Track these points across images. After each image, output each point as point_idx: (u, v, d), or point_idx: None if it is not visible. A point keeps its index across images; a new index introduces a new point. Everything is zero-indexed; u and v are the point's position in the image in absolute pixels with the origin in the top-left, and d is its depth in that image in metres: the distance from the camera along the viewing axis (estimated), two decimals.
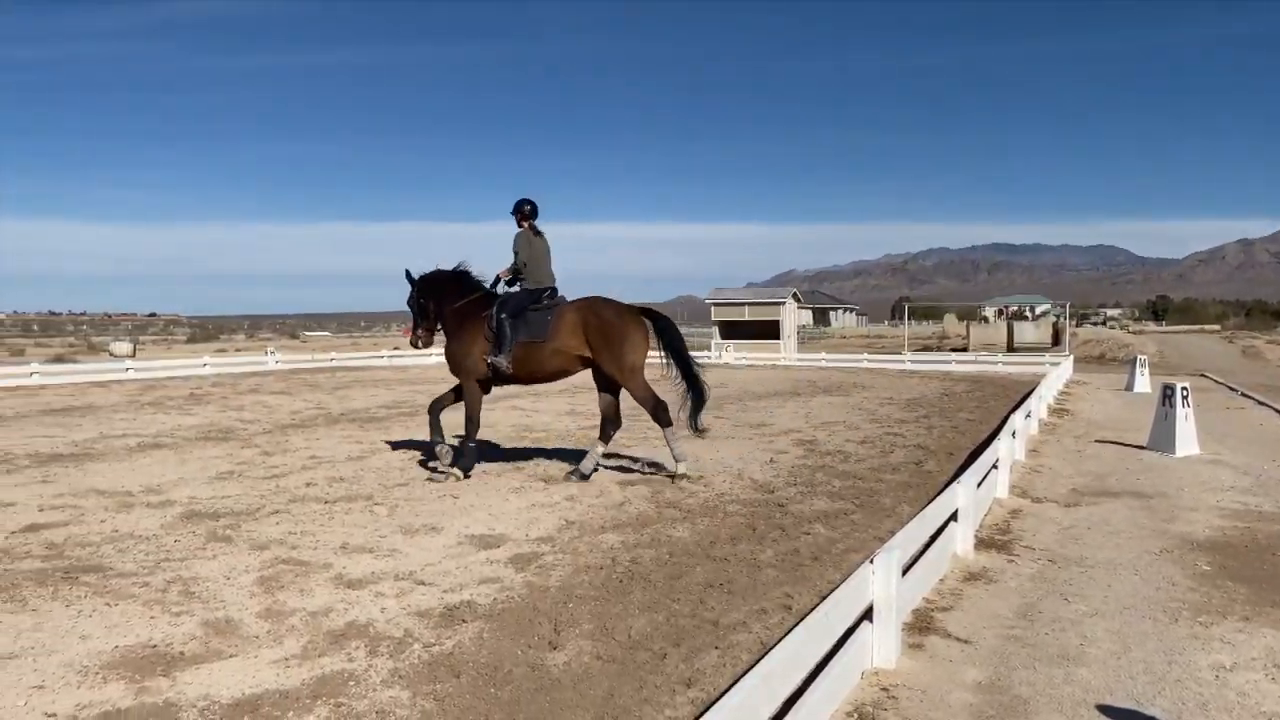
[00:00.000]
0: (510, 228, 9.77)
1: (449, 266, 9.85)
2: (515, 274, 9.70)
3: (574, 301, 9.67)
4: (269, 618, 5.11)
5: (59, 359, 35.68)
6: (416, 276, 9.96)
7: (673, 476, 9.40)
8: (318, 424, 14.46)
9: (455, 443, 9.61)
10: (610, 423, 9.72)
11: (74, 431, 13.37)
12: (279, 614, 5.17)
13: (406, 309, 10.00)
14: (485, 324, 9.46)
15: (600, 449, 9.61)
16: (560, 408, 17.05)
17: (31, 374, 23.54)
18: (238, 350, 45.65)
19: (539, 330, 9.37)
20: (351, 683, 4.24)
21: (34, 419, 15.17)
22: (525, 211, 9.75)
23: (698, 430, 9.79)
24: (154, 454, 11.13)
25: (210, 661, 4.48)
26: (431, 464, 10.00)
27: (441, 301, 9.81)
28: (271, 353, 31.54)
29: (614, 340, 9.32)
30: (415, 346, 10.18)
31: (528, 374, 9.60)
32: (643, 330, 9.51)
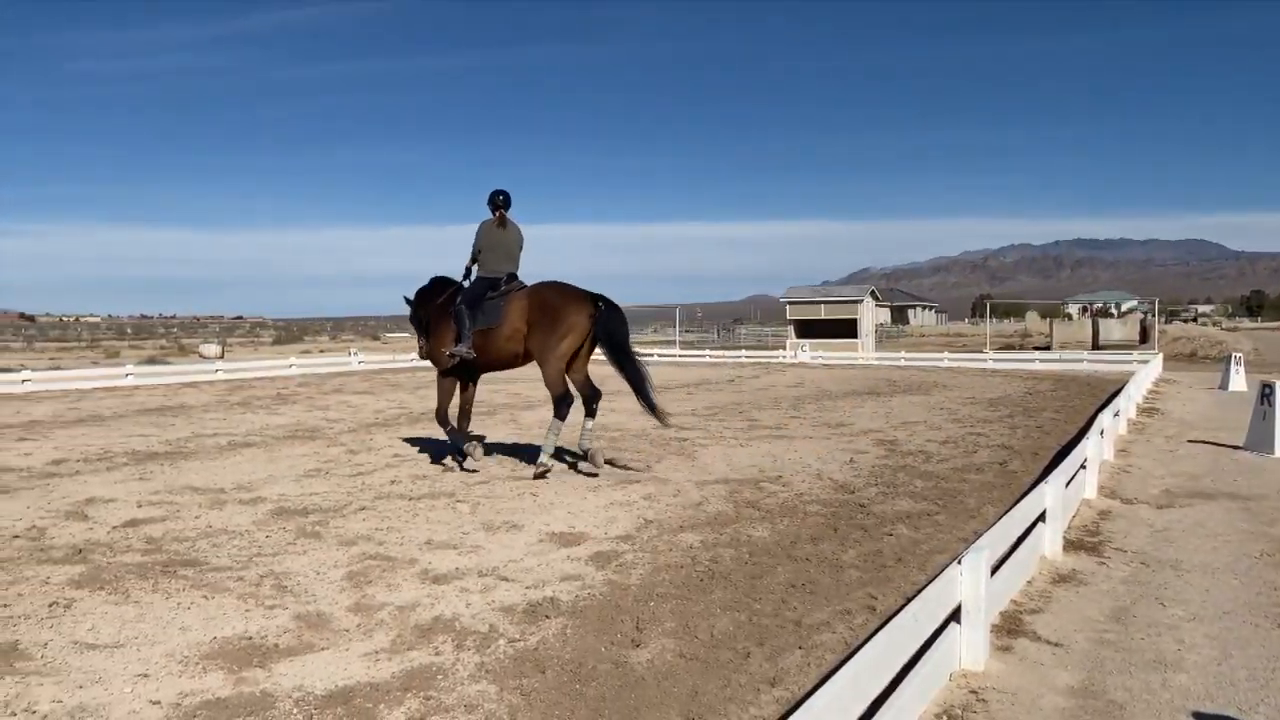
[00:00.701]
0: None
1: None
2: (474, 262, 9.87)
3: (527, 286, 9.74)
4: (358, 612, 5.23)
5: (152, 361, 36.99)
6: (411, 297, 10.49)
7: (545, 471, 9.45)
8: (400, 423, 14.74)
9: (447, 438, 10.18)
10: (589, 398, 9.57)
11: (168, 430, 13.84)
12: (368, 608, 5.29)
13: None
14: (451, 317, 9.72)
15: (589, 424, 9.54)
16: (633, 407, 17.08)
17: (127, 375, 24.44)
18: (322, 351, 46.77)
19: (493, 316, 9.48)
20: (439, 676, 4.32)
21: (130, 418, 15.74)
22: (498, 201, 9.90)
23: (657, 416, 9.71)
24: (244, 452, 11.47)
25: (303, 654, 4.60)
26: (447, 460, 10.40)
27: (428, 307, 10.14)
28: (354, 353, 32.24)
29: (546, 320, 9.30)
30: (421, 358, 10.67)
31: (485, 361, 9.73)
32: (582, 315, 9.32)
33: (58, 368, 30.89)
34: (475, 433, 9.78)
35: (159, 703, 4.02)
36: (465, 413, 10.13)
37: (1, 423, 15.09)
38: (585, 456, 9.47)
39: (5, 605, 5.34)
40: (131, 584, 5.77)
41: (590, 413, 9.52)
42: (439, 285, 10.27)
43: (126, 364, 28.43)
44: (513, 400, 18.48)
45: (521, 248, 10.04)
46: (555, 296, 9.41)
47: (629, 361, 9.51)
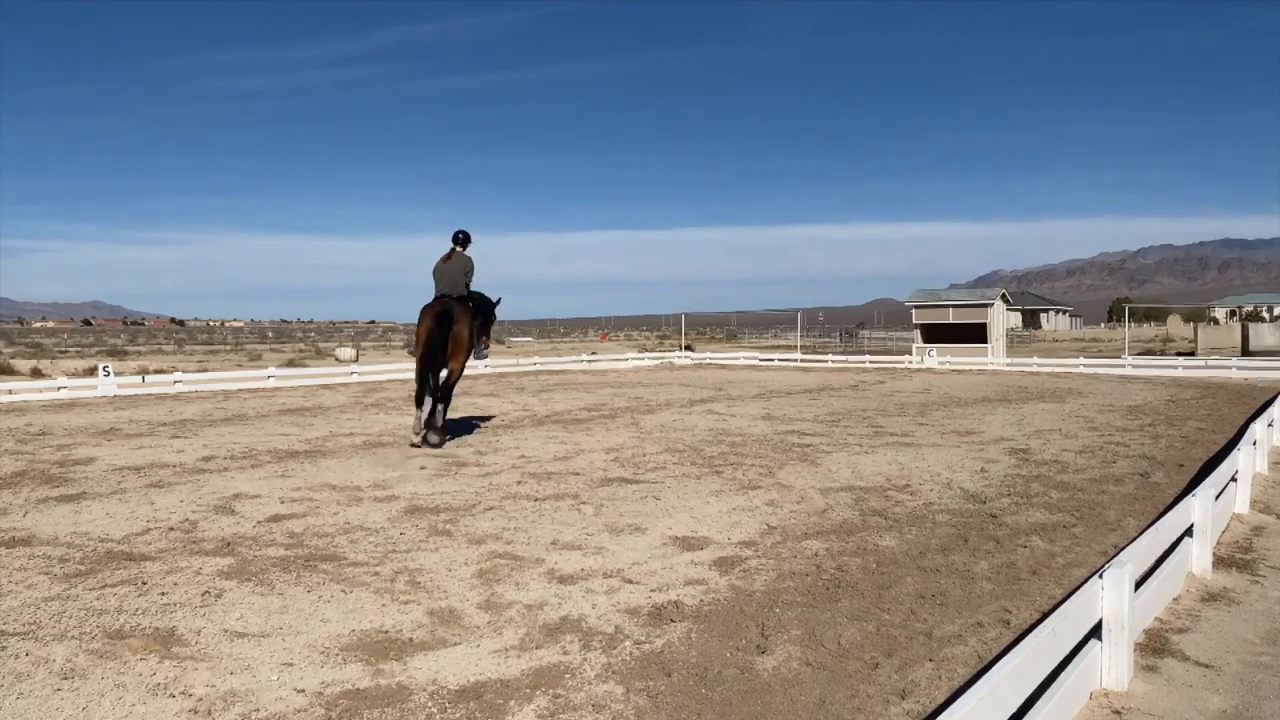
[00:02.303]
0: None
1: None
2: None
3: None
4: (488, 609, 5.36)
5: (291, 363, 38.65)
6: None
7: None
8: (524, 425, 15.03)
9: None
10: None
11: (307, 430, 14.44)
12: (497, 606, 5.41)
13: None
14: None
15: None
16: (755, 412, 17.02)
17: (269, 377, 25.61)
18: None
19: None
20: (567, 675, 4.38)
21: (272, 418, 16.48)
22: (455, 239, 13.03)
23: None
24: (378, 452, 11.87)
25: (436, 649, 4.73)
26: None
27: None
28: (483, 356, 33.00)
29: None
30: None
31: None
32: (425, 321, 12.22)
33: (205, 370, 32.62)
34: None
35: (303, 690, 4.20)
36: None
37: (156, 421, 16.03)
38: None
39: (163, 594, 5.67)
40: (276, 576, 6.05)
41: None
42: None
43: (268, 366, 29.81)
44: (634, 404, 18.60)
45: (465, 274, 12.91)
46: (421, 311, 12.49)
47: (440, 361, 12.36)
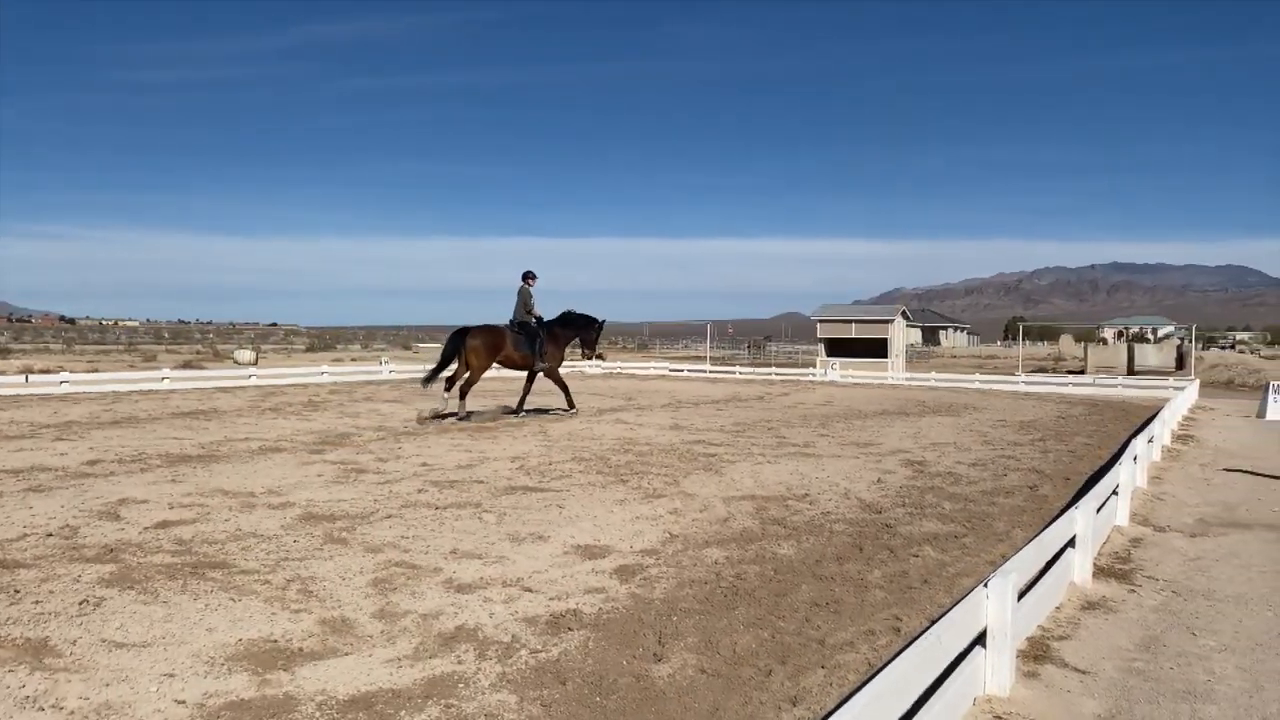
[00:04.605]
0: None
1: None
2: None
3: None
4: (382, 618, 5.26)
5: (187, 365, 37.45)
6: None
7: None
8: (428, 432, 14.82)
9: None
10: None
11: (201, 434, 14.00)
12: (392, 615, 5.32)
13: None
14: None
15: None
16: (663, 421, 17.11)
17: (163, 379, 24.77)
18: (353, 360, 47.15)
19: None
20: (461, 685, 4.33)
21: (165, 421, 15.94)
22: (525, 275, 17.39)
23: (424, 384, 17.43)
24: (275, 457, 11.58)
25: (327, 658, 4.63)
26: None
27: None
28: (385, 362, 32.46)
29: None
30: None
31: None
32: (454, 343, 16.80)
33: (96, 370, 31.38)
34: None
35: (184, 702, 4.06)
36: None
37: (39, 423, 15.35)
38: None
39: (37, 602, 5.42)
40: (160, 584, 5.84)
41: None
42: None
43: (163, 368, 28.81)
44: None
45: (523, 304, 17.19)
46: None
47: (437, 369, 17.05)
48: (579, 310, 17.97)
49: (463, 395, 16.62)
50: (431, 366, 17.31)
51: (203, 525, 7.58)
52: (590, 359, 19.15)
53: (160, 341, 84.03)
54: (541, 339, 17.22)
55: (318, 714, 3.98)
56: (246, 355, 44.58)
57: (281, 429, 14.94)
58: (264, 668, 4.48)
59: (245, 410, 18.46)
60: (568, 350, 18.58)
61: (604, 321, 18.06)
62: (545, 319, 17.46)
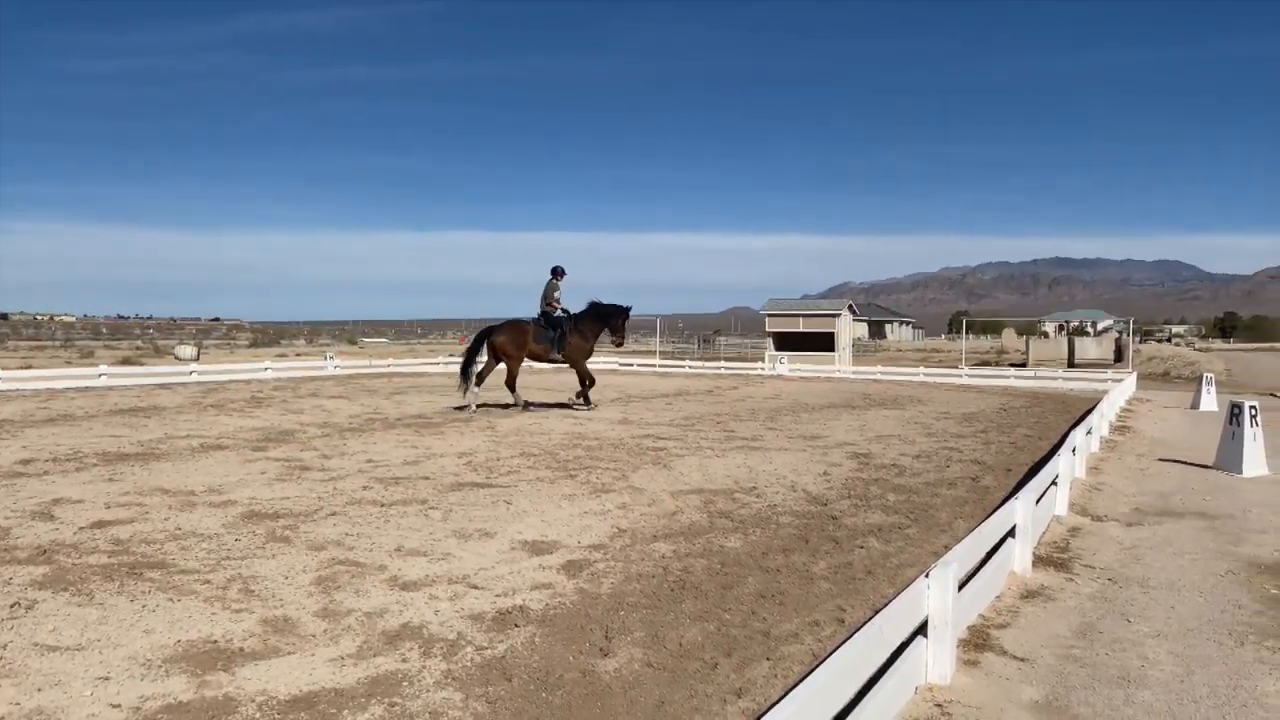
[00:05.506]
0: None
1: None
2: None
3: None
4: (326, 617, 5.20)
5: (126, 361, 36.67)
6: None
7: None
8: (374, 428, 14.67)
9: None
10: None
11: (140, 432, 13.71)
12: (335, 614, 5.26)
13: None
14: None
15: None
16: (613, 416, 17.11)
17: (100, 376, 24.21)
18: (298, 355, 46.49)
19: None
20: (405, 683, 4.29)
21: (102, 419, 15.59)
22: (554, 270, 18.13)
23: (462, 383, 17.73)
24: (216, 455, 11.38)
25: (268, 658, 4.56)
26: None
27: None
28: (330, 358, 32.05)
29: None
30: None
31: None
32: (478, 341, 17.99)
33: (29, 367, 30.59)
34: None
35: (119, 706, 3.98)
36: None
37: None
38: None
39: None
40: (96, 586, 5.71)
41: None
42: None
43: (100, 364, 28.17)
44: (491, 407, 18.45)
45: (544, 297, 17.93)
46: None
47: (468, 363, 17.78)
48: (607, 301, 18.36)
49: (510, 388, 17.91)
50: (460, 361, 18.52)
51: (141, 525, 7.42)
52: (620, 346, 19.18)
53: (99, 337, 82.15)
54: (564, 332, 17.73)
55: (258, 715, 3.92)
56: (188, 351, 43.75)
57: (224, 426, 14.68)
58: (203, 669, 4.40)
59: (186, 407, 18.12)
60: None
61: (630, 309, 18.30)
62: (571, 312, 18.06)
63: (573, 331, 17.85)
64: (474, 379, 17.55)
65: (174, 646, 4.68)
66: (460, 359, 18.72)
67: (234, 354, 50.28)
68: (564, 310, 17.98)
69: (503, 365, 17.88)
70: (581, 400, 18.40)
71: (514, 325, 17.77)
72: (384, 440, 13.11)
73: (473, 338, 18.34)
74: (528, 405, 17.98)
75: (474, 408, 17.45)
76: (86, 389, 22.60)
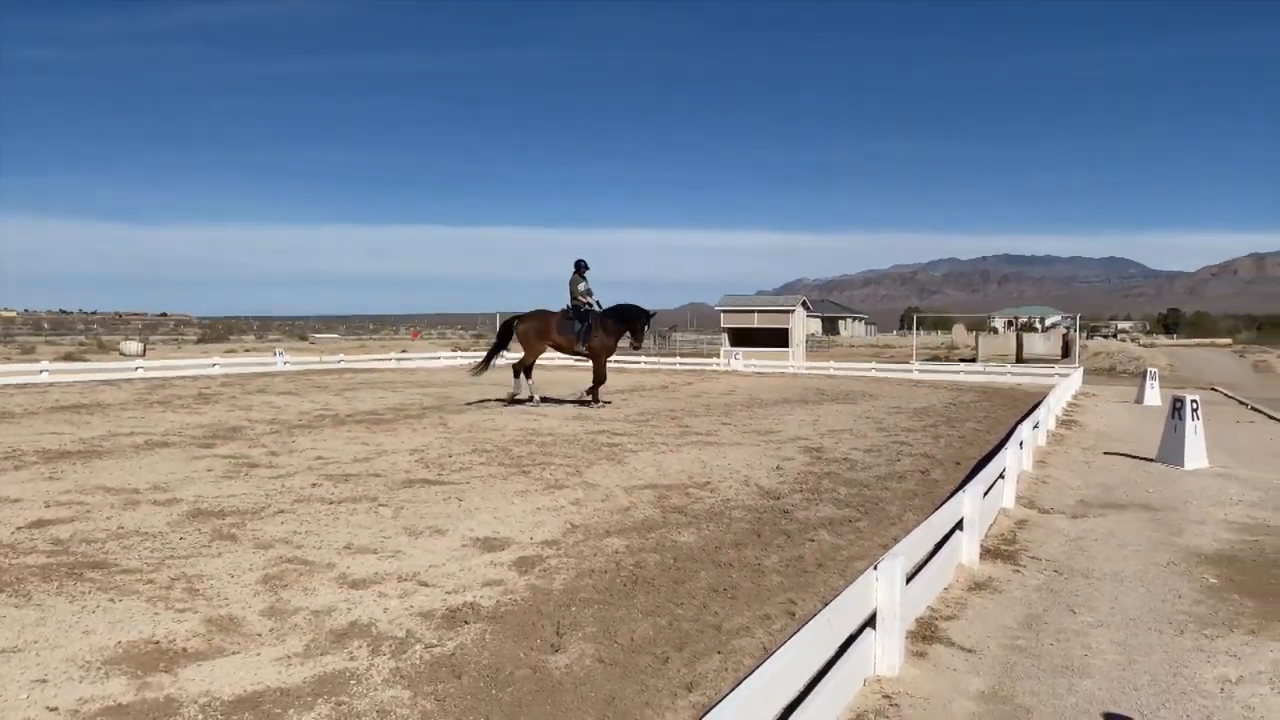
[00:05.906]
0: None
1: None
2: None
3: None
4: (272, 616, 5.12)
5: (69, 357, 35.86)
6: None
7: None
8: (324, 425, 14.49)
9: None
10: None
11: (82, 429, 13.42)
12: (282, 612, 5.18)
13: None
14: None
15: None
16: (567, 412, 17.07)
17: (41, 372, 23.67)
18: (247, 351, 45.81)
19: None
20: (353, 681, 4.24)
21: (43, 416, 15.23)
22: (578, 265, 18.09)
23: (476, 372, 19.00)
24: (161, 452, 11.17)
25: (213, 658, 4.48)
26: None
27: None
28: (280, 354, 31.62)
29: None
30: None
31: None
32: (506, 330, 18.60)
33: None
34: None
35: (56, 709, 3.89)
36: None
37: None
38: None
39: None
40: (34, 586, 5.57)
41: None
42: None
43: (42, 360, 27.52)
44: (443, 403, 18.27)
45: (570, 291, 18.00)
46: None
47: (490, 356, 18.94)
48: (630, 302, 18.47)
49: (522, 374, 18.28)
50: (483, 355, 19.40)
51: (82, 524, 7.26)
52: (638, 348, 19.29)
53: (39, 333, 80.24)
54: (590, 325, 17.83)
55: (201, 716, 3.85)
56: (133, 346, 42.87)
57: (170, 423, 14.42)
58: (144, 670, 4.31)
59: (131, 404, 17.77)
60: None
61: (653, 313, 18.44)
62: (602, 306, 18.16)
63: (598, 327, 17.83)
64: (522, 374, 18.12)
65: (114, 647, 4.58)
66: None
67: (181, 350, 49.40)
68: (597, 303, 18.03)
69: (550, 351, 18.37)
70: (591, 398, 18.36)
71: (538, 315, 18.04)
72: (334, 437, 12.96)
73: (500, 328, 18.93)
74: (530, 399, 18.16)
75: (537, 399, 18.25)
76: (26, 385, 22.08)
